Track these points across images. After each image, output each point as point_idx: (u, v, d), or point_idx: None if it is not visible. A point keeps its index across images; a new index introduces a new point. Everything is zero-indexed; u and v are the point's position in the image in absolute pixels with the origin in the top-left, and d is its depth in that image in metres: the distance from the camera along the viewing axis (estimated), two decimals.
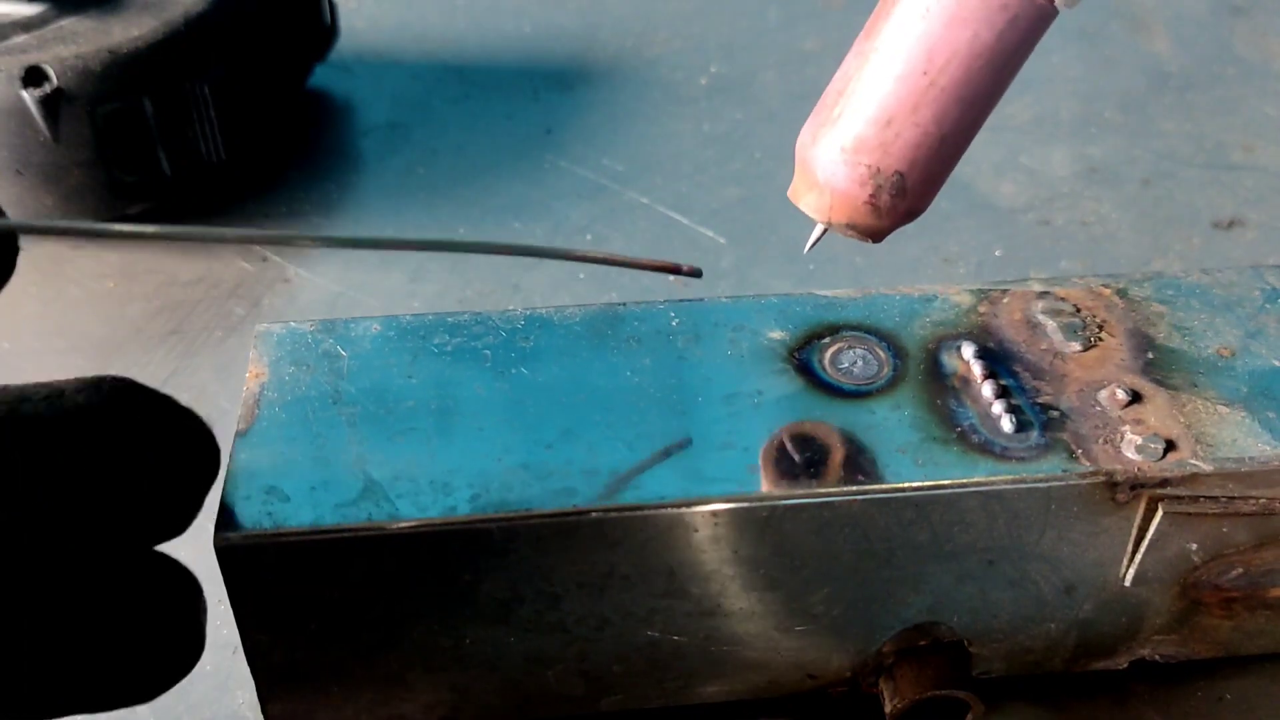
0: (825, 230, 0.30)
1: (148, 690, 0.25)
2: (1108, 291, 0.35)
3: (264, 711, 0.30)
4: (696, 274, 0.31)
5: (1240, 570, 0.31)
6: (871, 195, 0.28)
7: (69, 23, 0.49)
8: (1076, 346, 0.33)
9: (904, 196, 0.28)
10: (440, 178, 0.57)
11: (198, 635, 0.26)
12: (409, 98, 0.63)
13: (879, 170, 0.28)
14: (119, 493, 0.23)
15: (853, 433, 0.30)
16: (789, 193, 0.29)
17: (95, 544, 0.23)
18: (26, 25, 0.49)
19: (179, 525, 0.26)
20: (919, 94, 0.27)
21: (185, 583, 0.25)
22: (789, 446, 0.30)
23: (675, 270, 0.30)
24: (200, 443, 0.25)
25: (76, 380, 0.23)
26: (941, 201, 0.59)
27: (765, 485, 0.29)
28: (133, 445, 0.23)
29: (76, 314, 0.49)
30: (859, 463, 0.29)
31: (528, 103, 0.62)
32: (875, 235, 0.29)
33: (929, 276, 0.50)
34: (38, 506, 0.22)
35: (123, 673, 0.24)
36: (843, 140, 0.28)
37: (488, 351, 0.32)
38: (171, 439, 0.24)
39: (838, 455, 0.29)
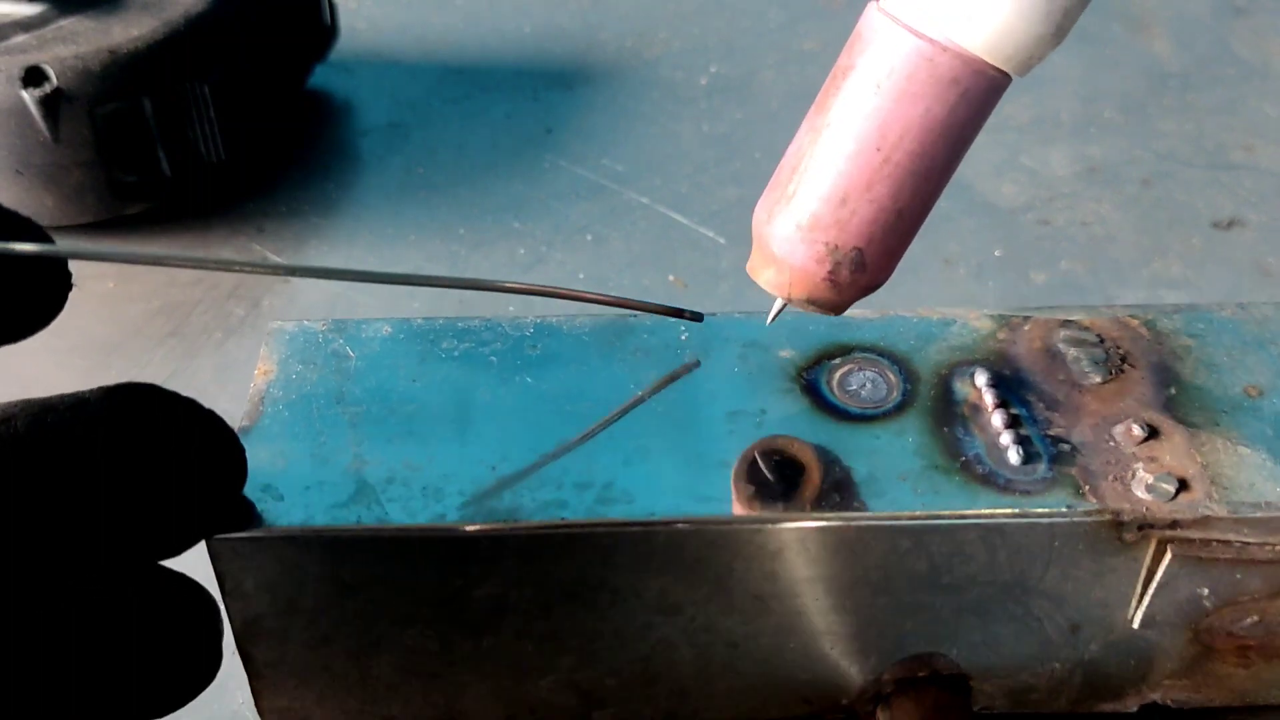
0: (785, 304, 0.29)
1: (162, 707, 0.25)
2: (1135, 322, 0.33)
3: (258, 707, 0.31)
4: (698, 319, 0.31)
5: (1256, 618, 0.30)
6: (830, 272, 0.27)
7: (69, 23, 0.49)
8: (1096, 378, 0.31)
9: (863, 271, 0.27)
10: (440, 177, 0.57)
11: (214, 653, 0.26)
12: (409, 98, 0.63)
13: (837, 247, 0.27)
14: (147, 500, 0.23)
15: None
16: (747, 267, 0.29)
17: (124, 553, 0.23)
18: (26, 25, 0.49)
19: (209, 528, 0.26)
20: (873, 170, 0.26)
21: (202, 601, 0.26)
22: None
23: (678, 314, 0.31)
24: (226, 446, 0.25)
25: (99, 389, 0.24)
26: (942, 202, 0.59)
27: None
28: (159, 452, 0.23)
29: (76, 314, 0.48)
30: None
31: (528, 102, 0.62)
32: (835, 309, 0.29)
33: (929, 277, 0.50)
34: (65, 518, 0.22)
35: (140, 687, 0.24)
36: (798, 218, 0.27)
37: (494, 358, 0.32)
38: (197, 444, 0.24)
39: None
